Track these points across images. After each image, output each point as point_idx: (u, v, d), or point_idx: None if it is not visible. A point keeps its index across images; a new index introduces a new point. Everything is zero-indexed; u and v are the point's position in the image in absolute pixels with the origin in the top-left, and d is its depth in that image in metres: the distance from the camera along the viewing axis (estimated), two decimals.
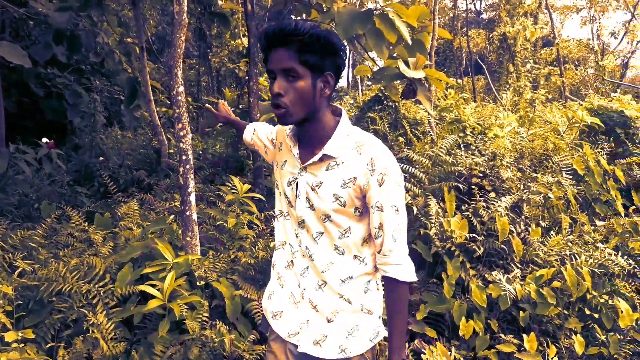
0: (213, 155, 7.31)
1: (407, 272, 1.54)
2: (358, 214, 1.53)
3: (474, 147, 5.18)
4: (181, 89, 3.24)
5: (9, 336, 2.28)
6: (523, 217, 4.09)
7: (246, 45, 5.45)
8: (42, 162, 4.67)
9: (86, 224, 3.77)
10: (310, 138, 1.55)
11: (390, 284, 1.56)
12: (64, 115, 8.38)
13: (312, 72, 1.42)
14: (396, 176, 1.49)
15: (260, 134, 1.91)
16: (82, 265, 3.11)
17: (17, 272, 2.82)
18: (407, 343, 3.13)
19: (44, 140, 4.72)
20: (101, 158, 6.76)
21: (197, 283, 3.05)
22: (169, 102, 8.44)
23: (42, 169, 5.36)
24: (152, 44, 8.40)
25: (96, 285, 2.94)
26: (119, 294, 2.91)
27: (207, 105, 2.42)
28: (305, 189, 1.54)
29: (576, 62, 24.96)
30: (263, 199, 4.35)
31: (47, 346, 2.68)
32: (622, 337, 3.29)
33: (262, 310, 2.90)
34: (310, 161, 1.52)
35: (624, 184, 5.28)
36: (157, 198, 4.97)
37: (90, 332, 2.65)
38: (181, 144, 3.23)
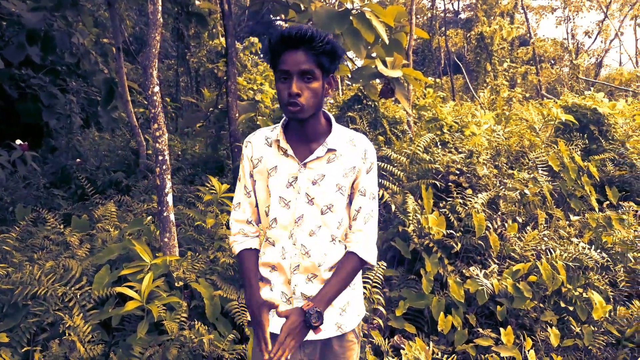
0: (192, 155, 7.27)
1: (368, 252, 1.69)
2: (347, 202, 1.70)
3: (451, 145, 5.24)
4: (157, 89, 3.22)
5: None
6: (500, 213, 4.16)
7: (224, 45, 5.42)
8: (16, 165, 4.58)
9: (62, 227, 3.72)
10: (308, 135, 1.66)
11: (348, 258, 1.68)
12: (39, 117, 8.22)
13: (323, 74, 1.56)
14: (376, 168, 1.73)
15: (254, 215, 1.80)
16: (58, 268, 3.07)
17: None
18: (387, 338, 3.15)
19: (18, 142, 4.64)
20: (78, 160, 6.66)
21: (176, 284, 3.03)
22: (146, 103, 8.37)
23: (16, 172, 5.27)
24: (130, 45, 8.30)
25: (72, 288, 2.90)
26: (96, 296, 2.88)
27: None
28: (305, 184, 1.64)
29: (552, 61, 25.42)
30: None
31: (23, 350, 2.64)
32: (596, 329, 3.37)
33: (242, 310, 2.89)
34: (314, 156, 1.63)
35: (598, 179, 5.40)
36: (135, 199, 4.93)
37: (67, 335, 2.62)
38: (157, 144, 3.21)
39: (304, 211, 1.64)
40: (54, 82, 8.50)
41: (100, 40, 8.59)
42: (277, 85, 1.57)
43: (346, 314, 1.74)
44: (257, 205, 1.78)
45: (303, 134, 1.66)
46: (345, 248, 1.71)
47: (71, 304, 2.84)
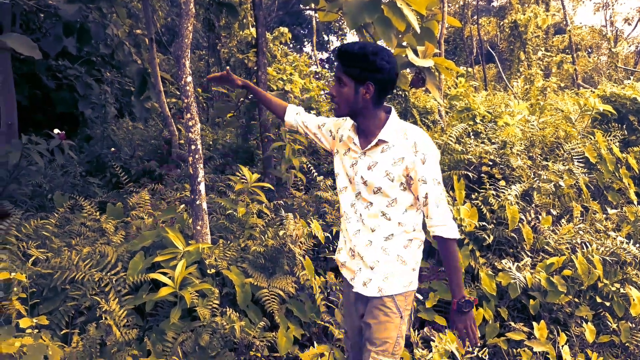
0: (223, 145, 7.34)
1: (450, 230, 1.93)
2: (402, 188, 1.96)
3: (484, 136, 5.15)
4: (189, 79, 3.25)
5: (24, 322, 2.32)
6: (533, 205, 4.07)
7: (255, 36, 5.43)
8: (54, 153, 4.70)
9: (98, 214, 3.81)
10: (365, 129, 1.99)
11: (440, 242, 1.97)
12: (75, 107, 8.43)
13: (356, 81, 1.88)
14: (434, 155, 1.93)
15: (310, 124, 2.32)
16: (94, 254, 3.16)
17: (31, 261, 2.86)
18: (417, 330, 3.14)
19: (56, 131, 4.75)
20: (113, 149, 6.80)
21: (208, 271, 3.08)
22: (178, 93, 8.47)
23: (54, 160, 5.41)
24: (162, 36, 8.42)
25: (108, 274, 2.98)
26: (131, 282, 2.95)
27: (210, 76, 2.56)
28: (362, 169, 1.99)
29: (589, 50, 24.63)
30: (272, 188, 4.38)
31: (62, 332, 2.73)
32: (633, 326, 3.28)
33: (272, 298, 2.98)
34: (369, 146, 1.97)
35: (637, 171, 5.22)
36: (167, 188, 5.01)
37: (103, 319, 2.69)
38: (190, 134, 3.24)
39: (361, 189, 2.01)
40: (89, 72, 8.70)
41: (134, 32, 8.71)
42: None
43: (388, 281, 2.01)
44: (312, 129, 2.30)
45: (361, 128, 2.02)
46: (431, 232, 1.98)
47: (107, 289, 2.92)
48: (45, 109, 8.76)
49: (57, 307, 2.84)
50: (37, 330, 2.37)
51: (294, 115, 2.39)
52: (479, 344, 1.94)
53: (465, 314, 1.94)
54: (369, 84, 1.87)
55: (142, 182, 5.48)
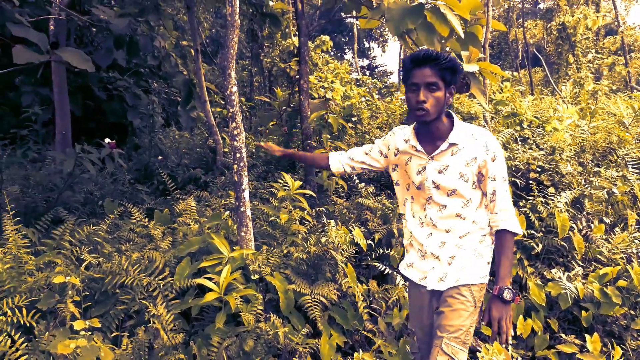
0: (265, 153, 7.43)
1: (515, 225, 2.02)
2: (474, 187, 2.04)
3: (531, 141, 5.01)
4: (235, 88, 3.32)
5: (78, 325, 2.41)
6: (585, 213, 3.92)
7: (297, 45, 5.49)
8: (105, 162, 4.89)
9: (146, 220, 3.92)
10: (433, 134, 2.04)
11: (500, 235, 2.04)
12: (124, 117, 8.75)
13: (446, 85, 1.95)
14: (502, 155, 2.04)
15: (360, 158, 2.39)
16: (143, 259, 3.25)
17: (84, 265, 2.98)
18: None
19: (107, 140, 4.94)
20: (160, 157, 7.01)
21: (252, 277, 3.11)
22: (223, 103, 8.65)
23: (105, 168, 5.63)
24: (207, 47, 8.63)
25: (156, 279, 3.05)
26: (177, 287, 3.02)
27: (262, 145, 2.85)
28: (432, 173, 2.05)
29: None
30: (314, 195, 4.39)
31: (112, 335, 2.82)
32: None
33: (314, 305, 2.97)
34: (439, 150, 2.02)
35: None
36: (213, 195, 5.11)
37: (151, 322, 2.76)
38: (235, 142, 3.30)
39: (433, 193, 2.08)
40: (137, 83, 9.02)
41: (180, 43, 8.98)
42: (407, 95, 1.99)
43: (466, 271, 2.06)
44: (360, 159, 2.37)
45: (429, 133, 2.06)
46: (494, 226, 2.06)
47: (155, 294, 2.99)
48: (97, 119, 9.13)
49: (108, 310, 2.94)
50: (89, 333, 2.46)
51: (337, 160, 2.46)
52: (510, 342, 1.93)
53: (505, 303, 1.94)
54: (452, 88, 1.99)
55: (188, 190, 5.62)
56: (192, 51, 7.04)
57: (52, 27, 6.55)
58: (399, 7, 4.24)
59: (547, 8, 24.43)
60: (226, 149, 6.77)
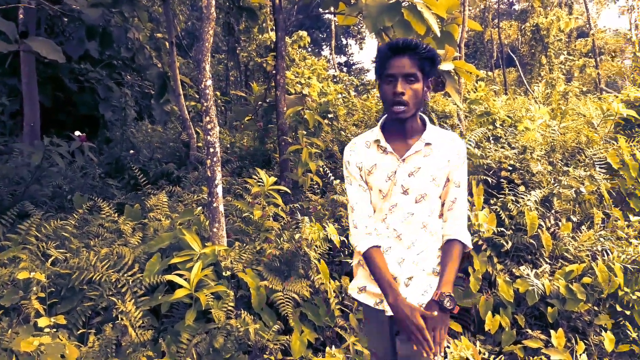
0: (240, 148, 7.38)
1: (468, 238, 1.88)
2: (439, 193, 1.87)
3: (503, 140, 5.08)
4: (209, 82, 3.28)
5: (42, 322, 2.36)
6: (553, 211, 4.00)
7: (274, 39, 5.46)
8: (75, 155, 4.78)
9: (116, 215, 3.86)
10: (406, 133, 1.84)
11: (451, 244, 1.87)
12: (96, 109, 8.57)
13: (425, 76, 1.77)
14: (466, 160, 1.91)
15: (371, 212, 1.94)
16: (112, 255, 3.19)
17: (50, 261, 2.91)
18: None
19: (77, 133, 4.82)
20: (132, 151, 6.89)
21: (223, 273, 3.09)
22: (197, 96, 8.54)
23: (75, 162, 5.50)
24: (182, 39, 8.51)
25: (125, 275, 3.01)
26: (147, 284, 2.98)
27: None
28: (402, 177, 1.83)
29: (613, 54, 24.17)
30: (289, 191, 4.38)
31: (79, 332, 2.76)
32: None
33: (286, 301, 2.94)
34: (412, 151, 1.82)
35: None
36: (185, 190, 5.05)
37: (120, 319, 2.72)
38: (209, 137, 3.27)
39: (399, 200, 1.85)
40: (110, 75, 8.84)
41: (154, 35, 8.82)
42: (383, 87, 1.79)
43: (427, 296, 1.88)
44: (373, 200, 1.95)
45: (402, 131, 1.85)
46: (447, 236, 1.89)
47: (124, 290, 2.95)
48: (67, 111, 8.93)
49: (75, 307, 2.88)
50: (54, 330, 2.41)
51: (375, 239, 1.93)
52: (438, 356, 1.69)
53: (444, 311, 1.73)
54: (430, 80, 1.82)
55: (160, 185, 5.54)
56: (167, 44, 6.94)
57: (21, 16, 6.37)
58: (376, 4, 4.25)
59: (522, 9, 24.83)
60: (200, 144, 6.69)
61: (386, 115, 1.91)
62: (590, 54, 20.60)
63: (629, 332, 3.20)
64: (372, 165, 1.89)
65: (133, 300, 2.88)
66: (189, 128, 6.63)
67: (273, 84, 5.63)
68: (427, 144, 1.83)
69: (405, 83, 1.74)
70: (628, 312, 3.30)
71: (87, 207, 3.99)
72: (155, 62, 8.19)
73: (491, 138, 5.17)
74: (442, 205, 1.91)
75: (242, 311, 2.92)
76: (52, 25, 8.87)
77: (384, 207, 1.88)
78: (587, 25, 21.18)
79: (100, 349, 2.60)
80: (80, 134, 4.83)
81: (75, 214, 3.77)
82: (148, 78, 9.09)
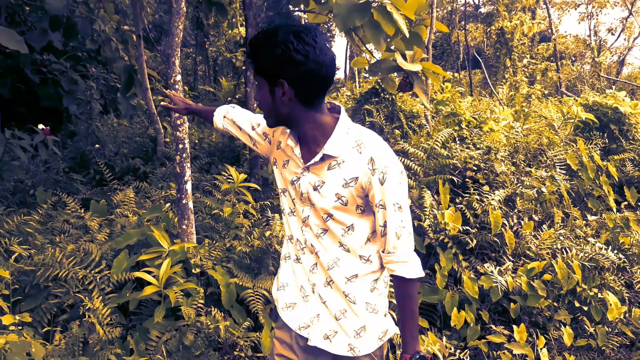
0: (209, 144, 7.32)
1: (414, 269, 1.52)
2: (360, 212, 1.51)
3: (469, 141, 5.21)
4: (179, 77, 3.25)
5: (6, 319, 2.30)
6: (516, 210, 4.14)
7: (243, 35, 5.44)
8: (37, 149, 4.66)
9: (82, 211, 3.78)
10: (307, 139, 1.51)
11: (398, 282, 1.55)
12: (59, 102, 8.33)
13: (268, 81, 1.41)
14: (397, 174, 1.47)
15: (239, 120, 1.80)
16: (78, 252, 3.13)
17: (13, 257, 2.84)
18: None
19: (40, 126, 4.70)
20: (97, 145, 6.75)
21: (193, 270, 3.07)
22: (165, 91, 8.41)
23: (37, 156, 5.36)
24: (149, 32, 8.35)
25: (92, 271, 2.96)
26: (115, 280, 2.94)
27: (163, 103, 2.21)
28: (307, 188, 1.52)
29: (573, 58, 25.04)
30: (259, 188, 4.38)
31: (44, 330, 2.71)
32: (610, 330, 3.35)
33: (257, 298, 2.94)
34: (312, 162, 1.49)
35: (617, 179, 5.33)
36: (153, 186, 4.99)
37: (87, 317, 2.68)
38: (178, 133, 3.24)
39: (308, 213, 1.56)
40: (74, 68, 8.60)
41: (121, 28, 8.64)
42: None
43: (361, 337, 1.59)
44: (245, 128, 1.78)
45: (302, 137, 1.53)
46: (388, 269, 1.58)
47: (91, 287, 2.90)
48: (28, 103, 8.65)
49: (40, 304, 2.82)
50: (19, 328, 2.35)
51: (222, 116, 1.88)
52: None
53: None
54: (282, 83, 1.38)
55: (127, 180, 5.45)
56: (134, 36, 6.80)
57: None
58: (346, 3, 4.28)
59: (488, 12, 25.41)
60: (167, 139, 6.61)
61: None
62: (552, 58, 21.26)
63: (586, 327, 3.35)
64: (286, 159, 1.62)
65: (100, 297, 2.84)
66: (156, 123, 6.54)
67: (243, 79, 5.62)
68: (329, 157, 1.47)
69: (258, 89, 1.48)
70: (586, 308, 3.45)
71: (51, 203, 3.90)
72: (122, 55, 8.02)
73: (457, 138, 5.29)
74: (373, 232, 1.56)
75: (212, 308, 2.92)
76: (13, 14, 8.56)
77: (299, 217, 1.61)
78: (549, 30, 21.84)
79: (67, 347, 2.56)
80: (44, 127, 4.71)
81: (39, 209, 3.69)
82: (114, 71, 8.89)
